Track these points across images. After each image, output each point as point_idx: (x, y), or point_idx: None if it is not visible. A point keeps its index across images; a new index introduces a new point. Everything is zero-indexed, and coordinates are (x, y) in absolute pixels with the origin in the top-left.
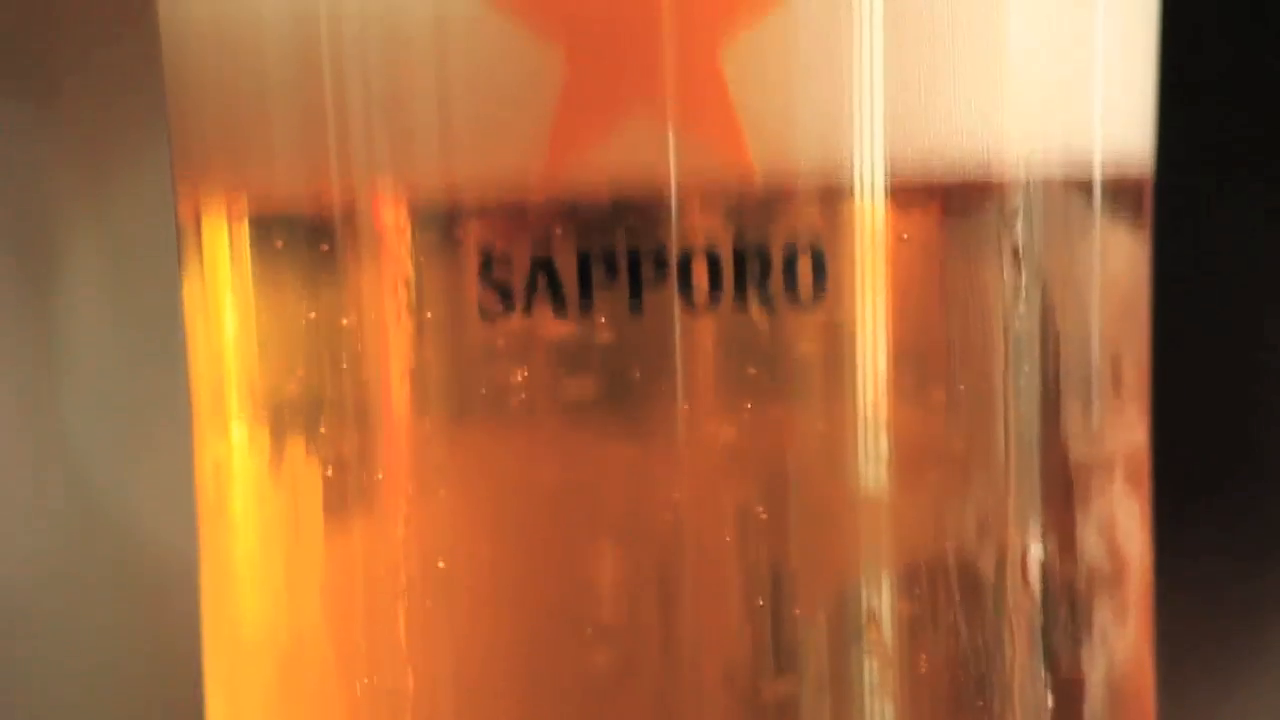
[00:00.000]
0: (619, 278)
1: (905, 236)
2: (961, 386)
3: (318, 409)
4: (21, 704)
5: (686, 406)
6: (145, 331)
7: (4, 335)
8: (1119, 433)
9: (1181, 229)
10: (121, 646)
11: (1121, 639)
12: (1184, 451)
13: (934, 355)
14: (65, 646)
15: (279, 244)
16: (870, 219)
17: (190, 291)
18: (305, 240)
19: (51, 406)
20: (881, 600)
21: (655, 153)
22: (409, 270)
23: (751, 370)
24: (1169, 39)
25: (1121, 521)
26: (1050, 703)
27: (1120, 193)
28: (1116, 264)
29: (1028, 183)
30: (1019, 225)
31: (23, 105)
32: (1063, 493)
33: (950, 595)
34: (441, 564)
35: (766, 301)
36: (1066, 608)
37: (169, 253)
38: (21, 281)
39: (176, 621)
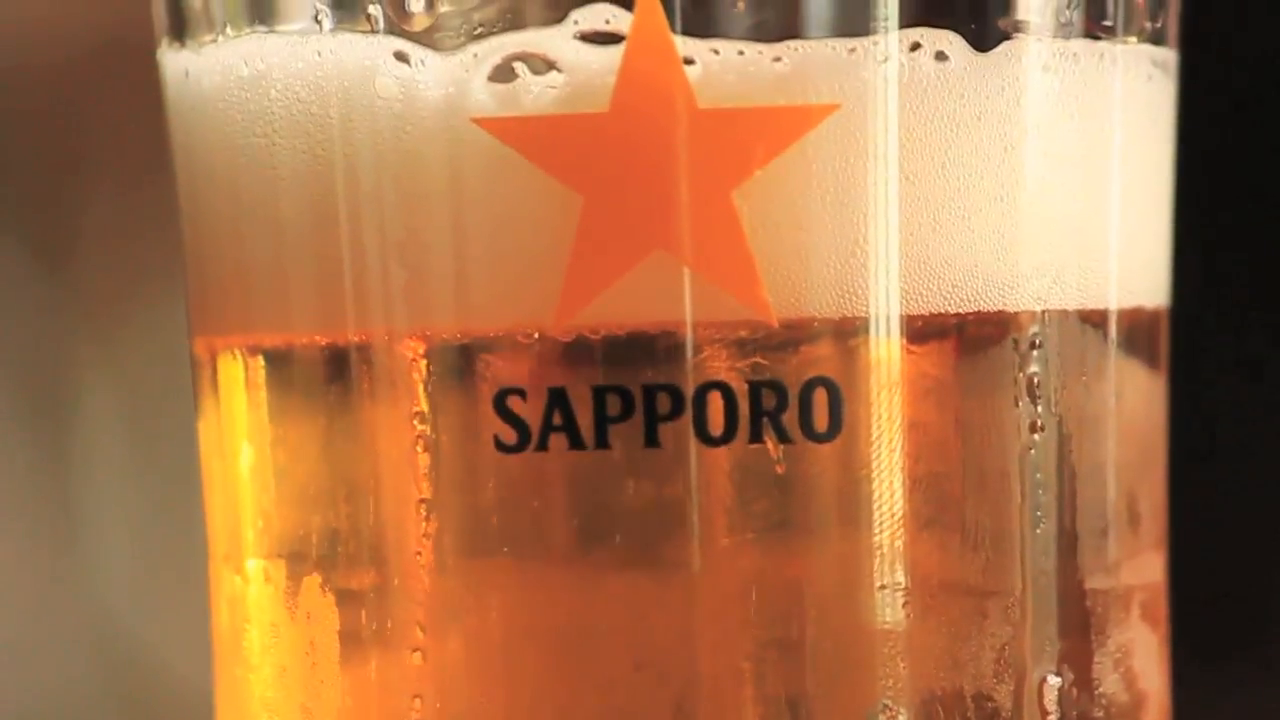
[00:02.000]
0: (634, 412)
1: (920, 372)
2: (977, 520)
3: (333, 544)
4: None
5: (702, 539)
6: (160, 473)
7: (20, 476)
8: (1135, 567)
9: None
10: None
11: None
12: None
13: (950, 489)
14: None
15: (294, 383)
16: (885, 355)
17: (205, 431)
18: (320, 379)
19: (69, 547)
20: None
21: (671, 293)
22: (424, 405)
23: (767, 504)
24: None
25: (1139, 655)
26: None
27: (1135, 327)
28: (1132, 398)
29: (1043, 318)
30: (1034, 360)
31: (39, 251)
32: (1079, 626)
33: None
34: (456, 698)
35: (782, 436)
36: None
37: (183, 395)
38: (37, 424)
39: None
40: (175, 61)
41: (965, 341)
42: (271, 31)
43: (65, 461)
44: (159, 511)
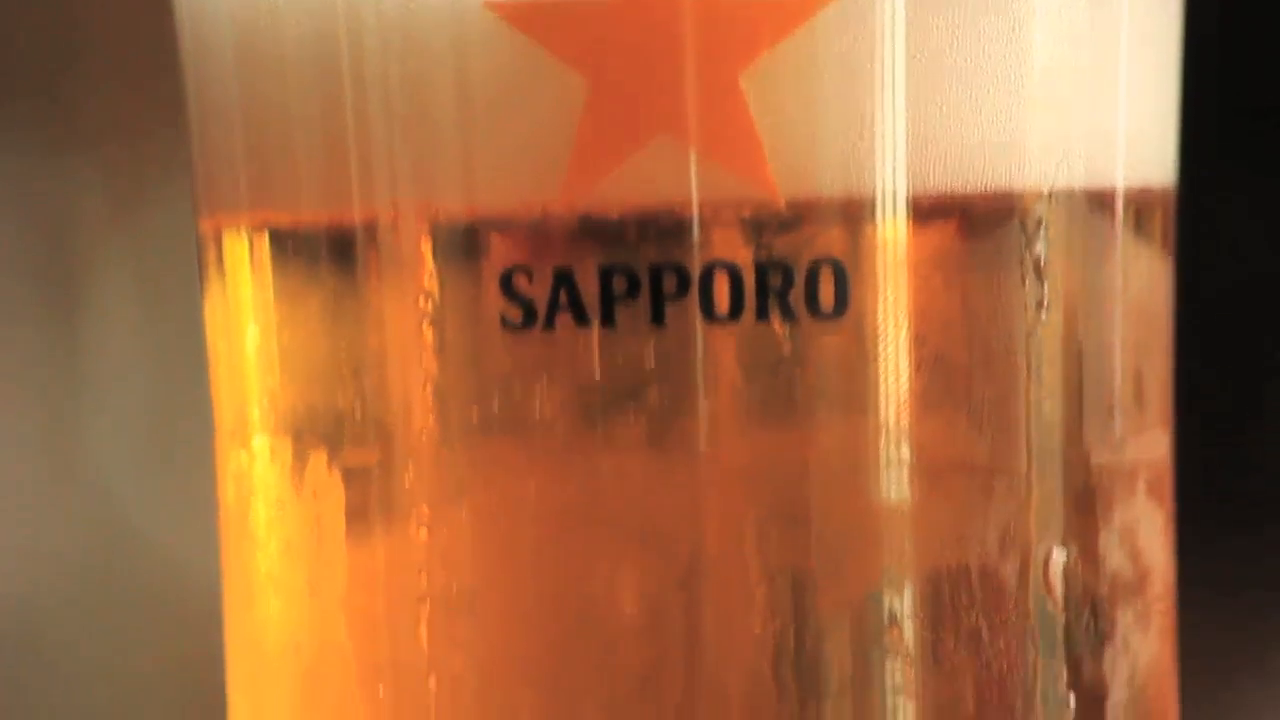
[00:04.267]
0: (641, 292)
1: (927, 252)
2: (983, 398)
3: (339, 423)
4: (39, 706)
5: (708, 419)
6: (169, 350)
7: (30, 354)
8: (1141, 444)
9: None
10: (143, 660)
11: (1145, 646)
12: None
13: (956, 368)
14: (87, 660)
15: (300, 260)
16: (892, 235)
17: (211, 309)
18: (326, 256)
19: (75, 423)
20: (904, 609)
21: (677, 173)
22: (431, 284)
23: (773, 382)
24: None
25: (1144, 531)
26: (1073, 707)
27: (1142, 207)
28: (1139, 277)
29: (1050, 197)
30: (1041, 239)
31: (49, 126)
32: (1085, 502)
33: (973, 603)
34: (462, 575)
35: (788, 316)
36: (1089, 615)
37: (193, 272)
38: (47, 301)
39: (198, 634)
40: None
41: (972, 221)
42: None
43: (74, 343)
44: (167, 393)
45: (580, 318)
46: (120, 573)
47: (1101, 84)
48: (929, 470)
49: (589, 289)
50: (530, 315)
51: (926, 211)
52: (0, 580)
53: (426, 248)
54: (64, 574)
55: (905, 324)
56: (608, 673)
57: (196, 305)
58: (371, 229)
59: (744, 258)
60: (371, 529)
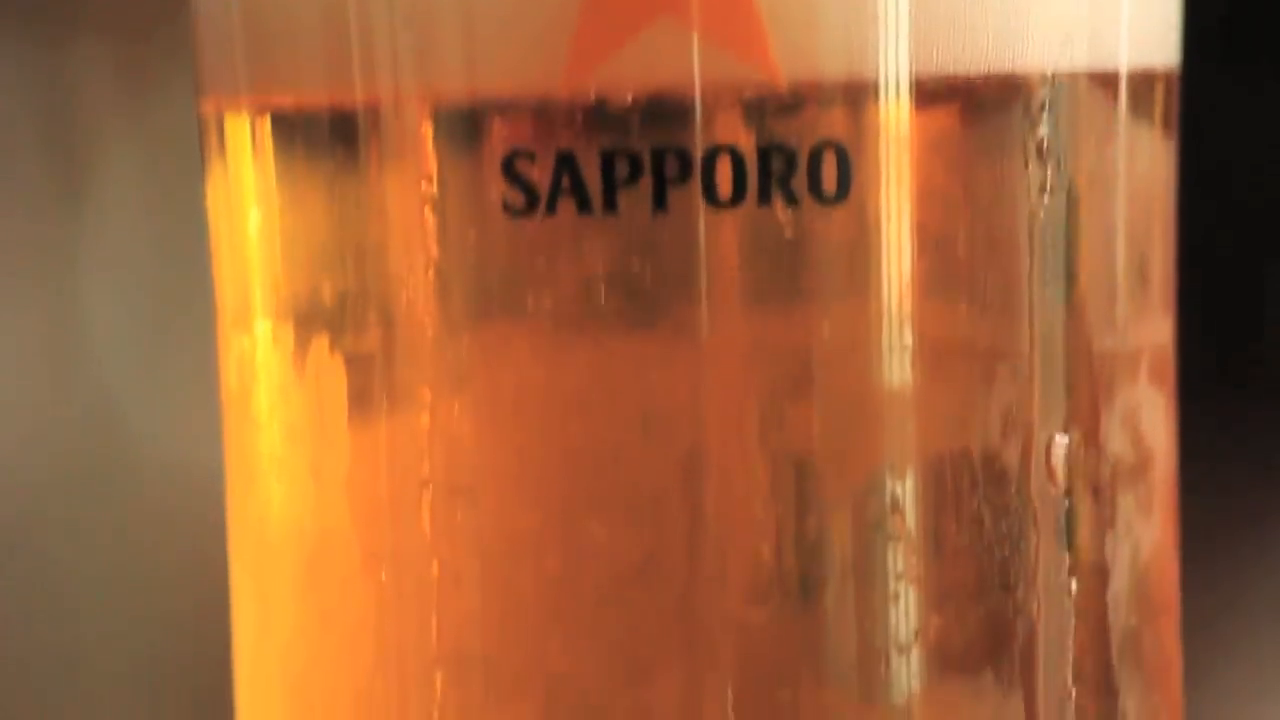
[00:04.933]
0: (643, 176)
1: (930, 135)
2: (986, 282)
3: (340, 307)
4: (39, 606)
5: (710, 304)
6: (172, 237)
7: (32, 241)
8: (1144, 328)
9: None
10: (140, 554)
11: (1146, 529)
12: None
13: (958, 251)
14: (84, 556)
15: (301, 144)
16: (894, 117)
17: (213, 193)
18: (327, 140)
19: (75, 311)
20: (906, 493)
21: (679, 56)
22: (432, 168)
23: (776, 266)
24: None
25: (1146, 415)
26: (1074, 591)
27: (1146, 89)
28: (1143, 161)
29: (1053, 79)
30: (1044, 122)
31: (55, 11)
32: (1087, 387)
33: (975, 488)
34: (464, 460)
35: (791, 200)
36: (1091, 499)
37: (198, 160)
38: (50, 187)
39: (195, 520)
40: None
41: (974, 104)
42: None
43: (77, 230)
44: (170, 280)
45: (582, 202)
46: (117, 465)
47: None
48: (931, 355)
49: (591, 173)
50: (532, 200)
51: (929, 94)
52: None
53: (428, 131)
54: (60, 465)
55: (908, 208)
56: (609, 557)
57: (200, 193)
58: (373, 112)
59: (746, 141)
60: (373, 414)
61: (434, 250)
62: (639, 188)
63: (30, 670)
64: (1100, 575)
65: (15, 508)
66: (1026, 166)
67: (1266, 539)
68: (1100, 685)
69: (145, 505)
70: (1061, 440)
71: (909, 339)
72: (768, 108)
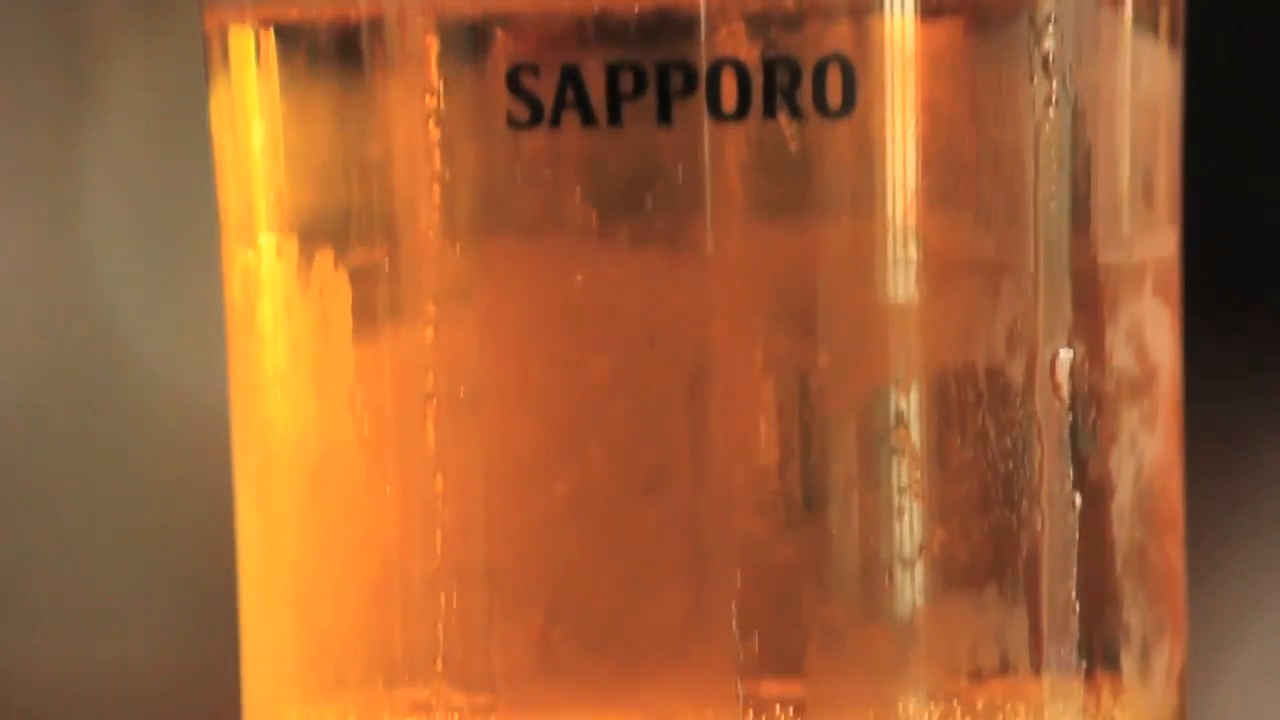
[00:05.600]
0: (647, 90)
1: (935, 48)
2: (991, 196)
3: (345, 221)
4: (40, 524)
5: (714, 218)
6: (178, 148)
7: (34, 151)
8: (1149, 242)
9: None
10: (142, 464)
11: (1151, 444)
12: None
13: (963, 164)
14: (85, 465)
15: (305, 56)
16: (899, 30)
17: (217, 106)
18: (332, 52)
19: (77, 222)
20: (910, 406)
21: None
22: (436, 80)
23: (781, 180)
24: None
25: (1151, 330)
26: (1078, 505)
27: (1151, 1)
28: (1148, 74)
29: None
30: (1049, 35)
31: None
32: (1092, 301)
33: (979, 402)
34: (468, 374)
35: (796, 114)
36: (1095, 413)
37: (203, 68)
38: (55, 97)
39: (197, 437)
40: None
41: (980, 16)
42: None
43: (80, 140)
44: (173, 194)
45: (586, 116)
46: (119, 382)
47: None
48: (936, 269)
49: (595, 86)
50: (536, 113)
51: (934, 6)
52: None
53: (432, 44)
54: (62, 382)
55: (912, 121)
56: (613, 471)
57: (205, 106)
58: (377, 25)
59: (751, 55)
60: (378, 328)
61: (438, 163)
62: (643, 101)
63: (31, 587)
64: (1104, 489)
65: (16, 425)
66: (1032, 79)
67: (1265, 444)
68: (1104, 598)
69: (147, 422)
70: (1066, 354)
71: (914, 253)
72: (772, 20)
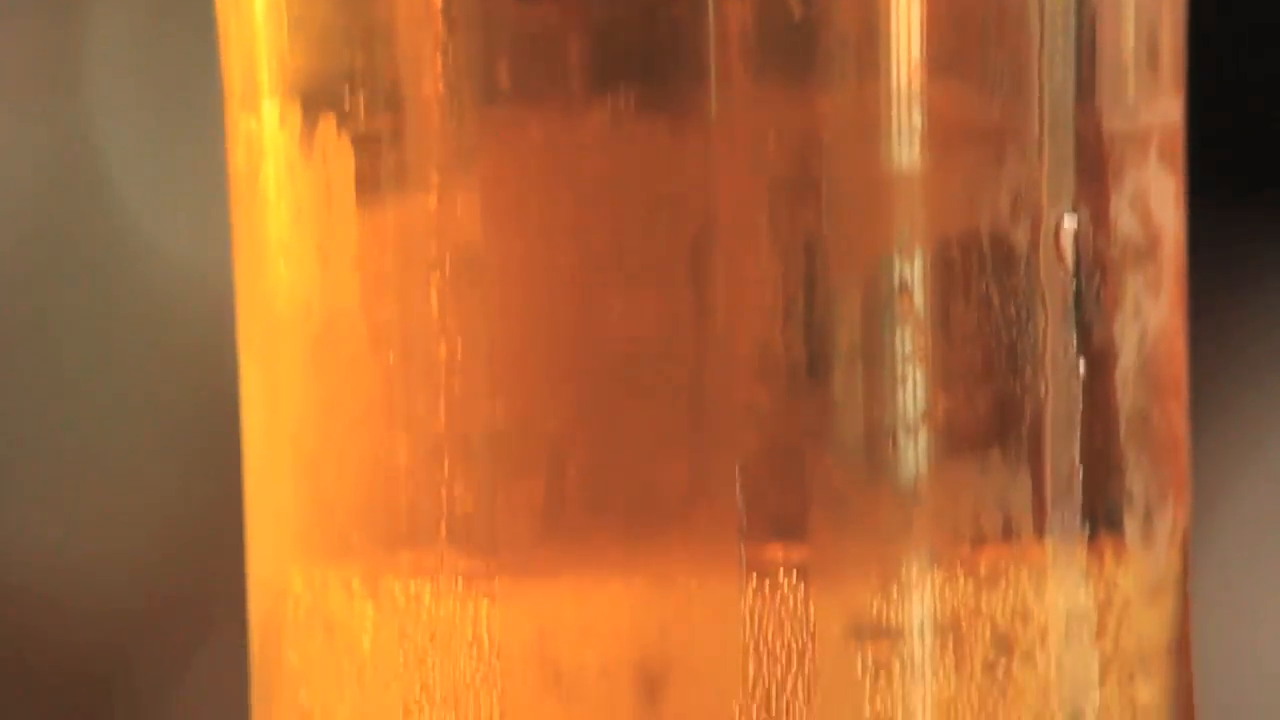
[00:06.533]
0: None
1: None
2: (996, 61)
3: (348, 87)
4: (44, 398)
5: (719, 84)
6: (181, 15)
7: (38, 22)
8: (1154, 109)
9: None
10: (145, 335)
11: (1155, 310)
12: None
13: (968, 30)
14: (88, 338)
15: None
16: None
17: None
18: None
19: (79, 93)
20: (914, 273)
21: None
22: None
23: (785, 48)
24: None
25: (1155, 197)
26: (1082, 371)
27: None
28: None
29: None
30: None
31: None
32: (1097, 167)
33: (983, 269)
34: (472, 242)
35: None
36: (1099, 280)
37: None
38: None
39: (199, 308)
40: None
41: None
42: None
43: (83, 14)
44: (174, 67)
45: None
46: (122, 254)
47: None
48: (940, 135)
49: None
50: None
51: None
52: None
53: None
54: (65, 255)
55: None
56: (616, 339)
57: None
58: None
59: None
60: (381, 196)
61: (441, 29)
62: None
63: (36, 459)
64: (1108, 355)
65: (20, 300)
66: None
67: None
68: (1107, 464)
69: (149, 294)
70: (1070, 221)
71: (918, 119)
72: None
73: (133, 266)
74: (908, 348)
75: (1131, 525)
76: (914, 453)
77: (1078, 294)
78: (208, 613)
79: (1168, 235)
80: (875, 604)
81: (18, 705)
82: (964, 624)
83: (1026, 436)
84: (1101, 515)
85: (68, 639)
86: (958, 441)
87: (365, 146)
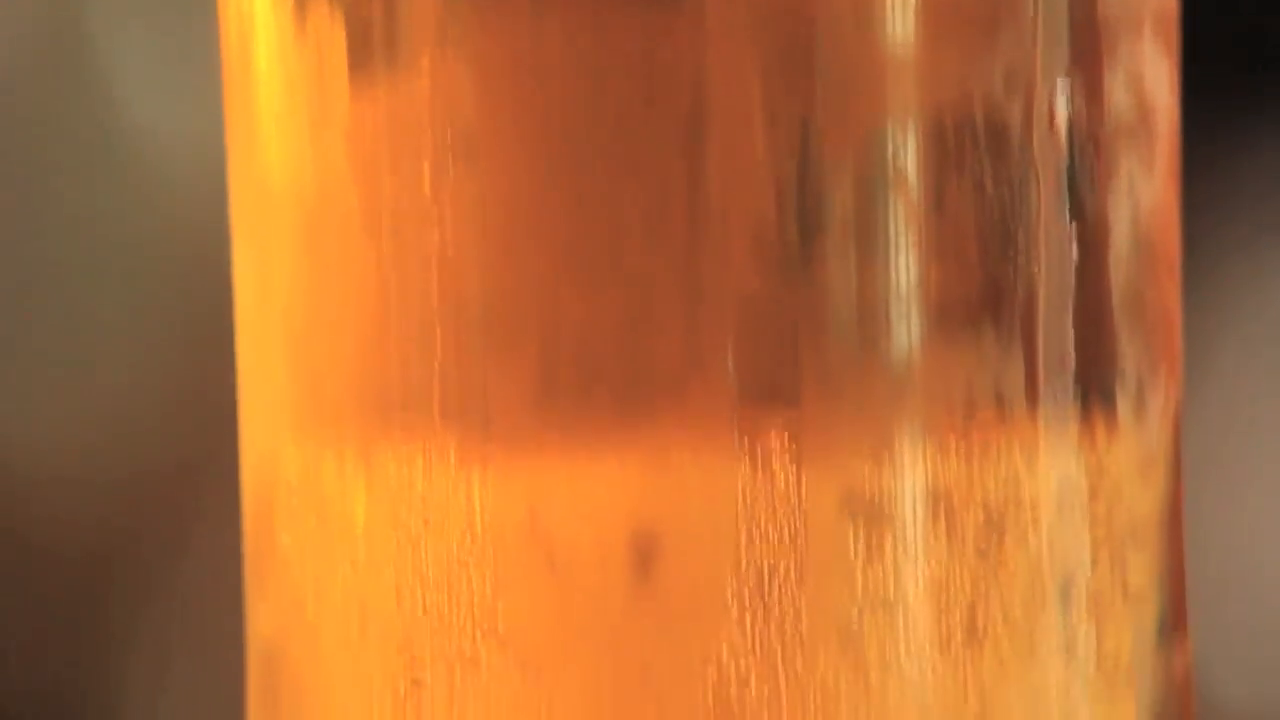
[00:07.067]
0: None
1: None
2: None
3: None
4: (39, 280)
5: None
6: None
7: None
8: None
9: None
10: (139, 216)
11: (1148, 186)
12: None
13: None
14: (83, 222)
15: None
16: None
17: None
18: None
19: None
20: (907, 149)
21: None
22: None
23: None
24: None
25: (1149, 71)
26: (1075, 245)
27: None
28: None
29: None
30: None
31: None
32: (1090, 43)
33: (977, 143)
34: (464, 126)
35: None
36: (1093, 155)
37: None
38: None
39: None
40: None
41: None
42: None
43: None
44: None
45: None
46: (115, 134)
47: None
48: (933, 8)
49: None
50: None
51: None
52: None
53: None
54: (59, 140)
55: None
56: (610, 218)
57: None
58: None
59: None
60: (373, 76)
61: None
62: None
63: (35, 333)
64: (1101, 231)
65: (17, 178)
66: None
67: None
68: (1100, 339)
69: (142, 173)
70: (1064, 95)
71: None
72: None
73: (127, 144)
74: (900, 223)
75: (1123, 400)
76: (907, 328)
77: (1071, 170)
78: (210, 484)
79: (1161, 113)
80: (867, 477)
81: (18, 580)
82: (956, 499)
83: (1019, 312)
84: (1094, 390)
85: (67, 513)
86: (950, 317)
87: (357, 24)
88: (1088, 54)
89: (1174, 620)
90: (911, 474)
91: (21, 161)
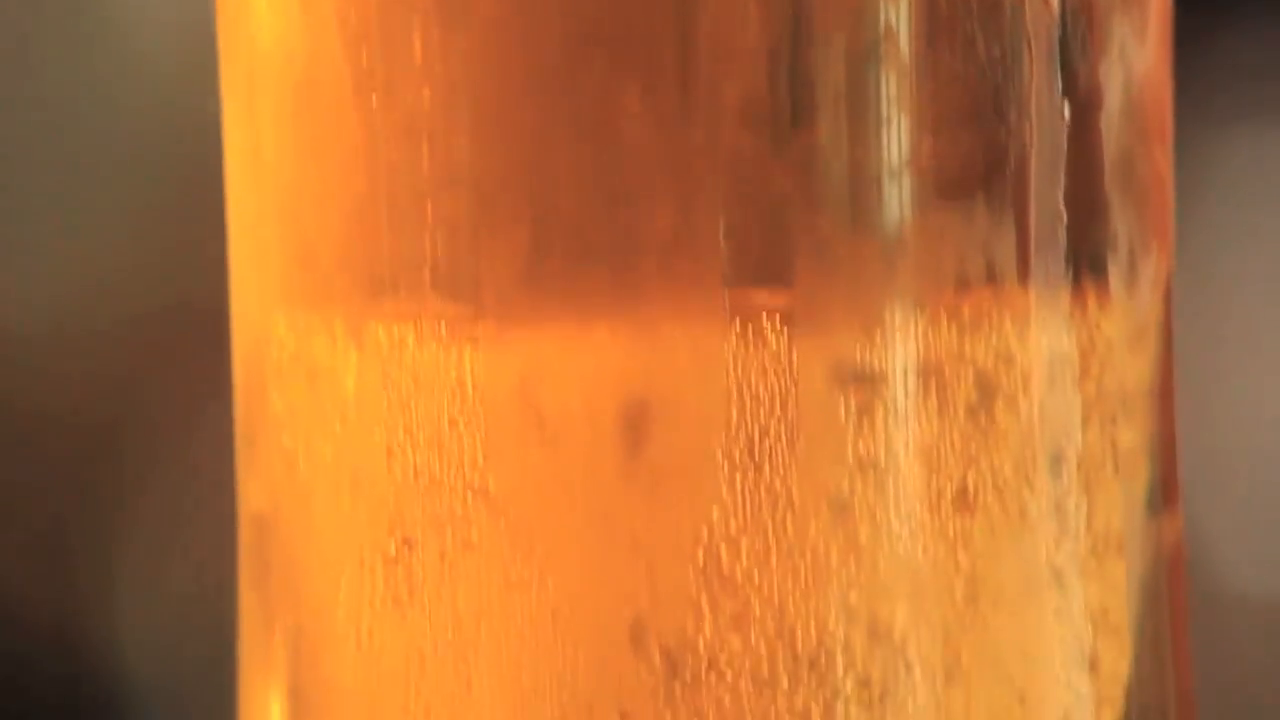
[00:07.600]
0: None
1: None
2: None
3: None
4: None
5: None
6: None
7: None
8: None
9: None
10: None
11: (1140, 55)
12: None
13: None
14: (72, 103)
15: None
16: None
17: None
18: None
19: None
20: (899, 16)
21: None
22: None
23: None
24: None
25: None
26: (1067, 115)
27: None
28: None
29: None
30: None
31: None
32: None
33: (968, 10)
34: (462, 84)
35: None
36: (1085, 22)
37: None
38: None
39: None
40: None
41: None
42: None
43: None
44: None
45: None
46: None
47: None
48: None
49: None
50: None
51: None
52: None
53: None
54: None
55: None
56: (601, 88)
57: None
58: None
59: None
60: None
61: None
62: None
63: (39, 211)
64: (1093, 99)
65: (4, 55)
66: None
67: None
68: (1091, 208)
69: (132, 38)
70: None
71: None
72: None
73: (117, 8)
74: (892, 92)
75: (1115, 271)
76: (898, 198)
77: (1063, 37)
78: (223, 357)
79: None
80: (858, 349)
81: (29, 451)
82: (947, 368)
83: (1010, 181)
84: (1085, 260)
85: (77, 386)
86: (941, 187)
87: None
88: None
89: (1165, 491)
90: (902, 343)
91: (14, 36)
